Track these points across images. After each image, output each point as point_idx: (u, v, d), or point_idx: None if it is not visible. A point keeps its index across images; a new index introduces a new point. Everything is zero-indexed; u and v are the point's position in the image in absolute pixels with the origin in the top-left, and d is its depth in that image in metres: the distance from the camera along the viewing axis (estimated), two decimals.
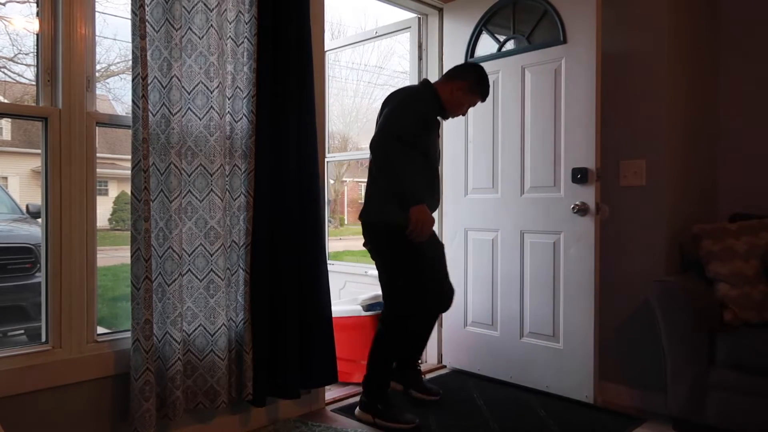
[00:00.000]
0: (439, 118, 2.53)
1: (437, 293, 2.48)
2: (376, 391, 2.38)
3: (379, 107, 2.47)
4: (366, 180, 2.46)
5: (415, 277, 2.34)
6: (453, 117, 2.56)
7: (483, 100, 2.53)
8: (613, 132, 2.64)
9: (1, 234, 3.58)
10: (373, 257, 2.44)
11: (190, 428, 2.11)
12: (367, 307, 2.86)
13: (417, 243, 2.27)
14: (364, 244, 2.43)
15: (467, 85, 2.45)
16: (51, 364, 1.83)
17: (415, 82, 3.31)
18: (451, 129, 3.11)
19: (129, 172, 1.88)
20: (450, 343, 3.14)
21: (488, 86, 2.51)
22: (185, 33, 2.01)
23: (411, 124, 2.28)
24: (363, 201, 2.45)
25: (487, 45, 2.97)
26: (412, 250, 2.29)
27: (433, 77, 3.21)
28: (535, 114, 2.75)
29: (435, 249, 2.49)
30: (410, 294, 2.34)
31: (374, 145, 2.25)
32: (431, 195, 2.44)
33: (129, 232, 1.89)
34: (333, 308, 2.40)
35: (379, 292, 2.52)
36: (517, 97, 2.81)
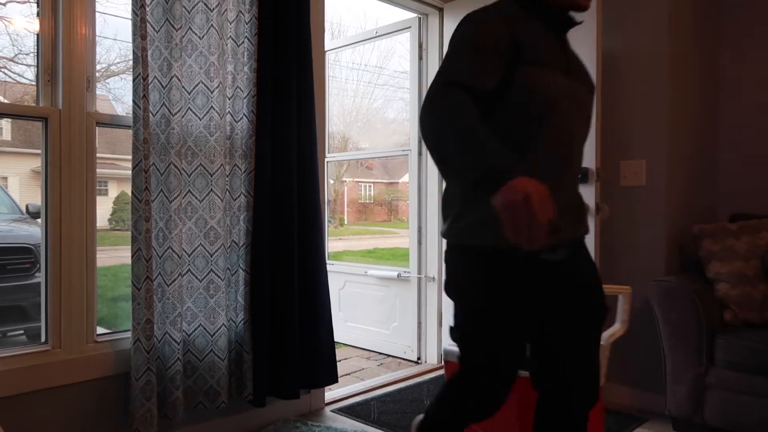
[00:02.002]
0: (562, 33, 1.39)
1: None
2: None
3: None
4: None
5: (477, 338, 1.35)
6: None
7: None
8: (613, 132, 2.64)
9: (1, 234, 3.58)
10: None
11: (190, 428, 2.11)
12: None
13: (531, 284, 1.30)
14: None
15: None
16: (51, 365, 1.83)
17: (416, 83, 3.30)
18: None
19: (129, 172, 1.88)
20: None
21: None
22: (185, 33, 2.01)
23: (481, 57, 1.21)
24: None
25: None
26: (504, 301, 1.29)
27: None
28: None
29: (565, 311, 1.37)
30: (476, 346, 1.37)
31: (421, 110, 1.20)
32: (554, 167, 1.30)
33: (129, 232, 1.89)
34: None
35: None
36: None
